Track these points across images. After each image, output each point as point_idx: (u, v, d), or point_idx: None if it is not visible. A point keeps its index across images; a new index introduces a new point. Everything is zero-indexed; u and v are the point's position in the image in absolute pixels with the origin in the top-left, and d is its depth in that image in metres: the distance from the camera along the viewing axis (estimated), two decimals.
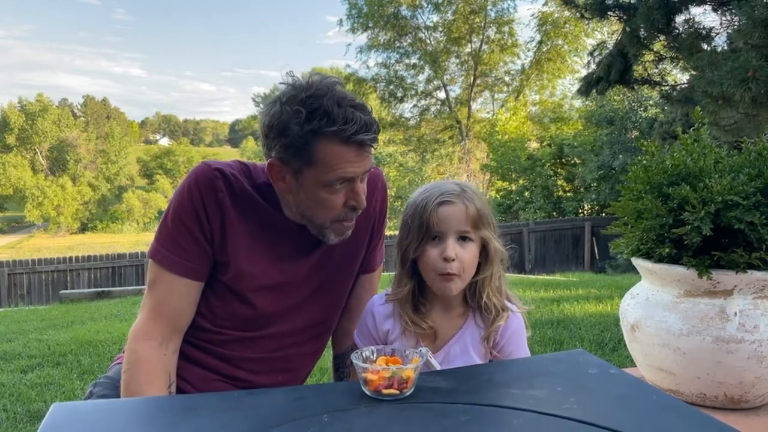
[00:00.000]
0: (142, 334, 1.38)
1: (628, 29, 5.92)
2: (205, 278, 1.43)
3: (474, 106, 27.68)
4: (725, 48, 5.21)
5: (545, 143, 22.34)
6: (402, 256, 1.39)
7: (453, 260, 1.30)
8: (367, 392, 1.09)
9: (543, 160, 20.49)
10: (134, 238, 39.64)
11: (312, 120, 1.26)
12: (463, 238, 1.33)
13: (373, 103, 27.10)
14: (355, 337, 1.49)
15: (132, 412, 1.09)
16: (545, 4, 24.01)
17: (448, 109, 27.33)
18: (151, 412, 1.09)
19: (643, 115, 16.48)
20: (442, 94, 27.49)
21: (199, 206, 1.38)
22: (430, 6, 25.70)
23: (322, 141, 1.28)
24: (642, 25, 5.62)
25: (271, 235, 1.45)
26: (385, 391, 1.07)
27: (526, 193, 20.76)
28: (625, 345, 2.26)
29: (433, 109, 27.84)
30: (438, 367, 1.34)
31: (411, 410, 1.04)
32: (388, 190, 1.67)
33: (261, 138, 1.38)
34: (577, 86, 7.85)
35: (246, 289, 1.43)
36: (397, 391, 1.07)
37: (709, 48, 5.28)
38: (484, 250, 1.37)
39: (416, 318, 1.38)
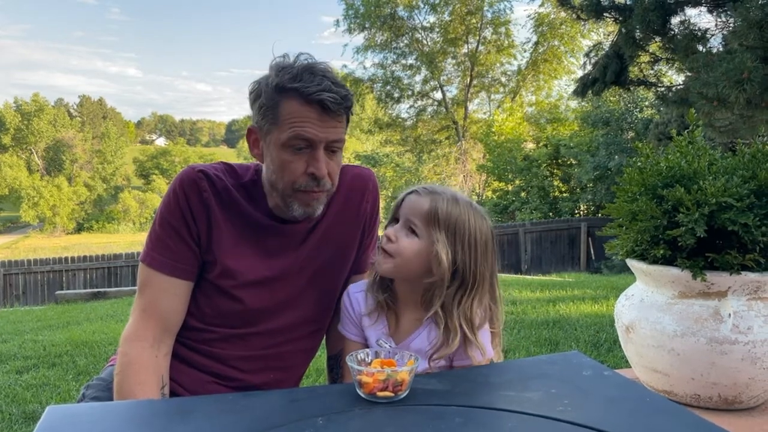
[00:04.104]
0: (133, 337, 1.39)
1: (623, 30, 5.94)
2: (194, 278, 1.45)
3: (470, 106, 27.73)
4: (720, 49, 5.23)
5: (541, 144, 22.38)
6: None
7: (390, 241, 1.33)
8: (361, 394, 1.09)
9: (539, 161, 20.52)
10: (130, 239, 39.56)
11: (278, 76, 1.31)
12: (411, 229, 1.34)
13: (369, 103, 27.14)
14: (339, 328, 1.50)
15: (127, 415, 1.09)
16: (541, 5, 24.09)
17: (444, 110, 27.35)
18: (146, 415, 1.09)
19: (638, 116, 16.52)
20: (438, 95, 27.54)
21: (185, 207, 1.41)
22: (426, 7, 25.74)
23: (285, 98, 1.32)
24: (638, 27, 5.63)
25: (258, 232, 1.46)
26: (380, 394, 1.07)
27: (523, 194, 20.79)
28: (620, 346, 2.26)
29: (429, 109, 27.87)
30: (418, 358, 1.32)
31: (406, 412, 1.05)
32: (384, 191, 1.68)
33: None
34: (573, 87, 7.86)
35: (232, 285, 1.44)
36: (392, 394, 1.07)
37: (704, 49, 5.30)
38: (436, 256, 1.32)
39: (382, 299, 1.40)
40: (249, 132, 1.42)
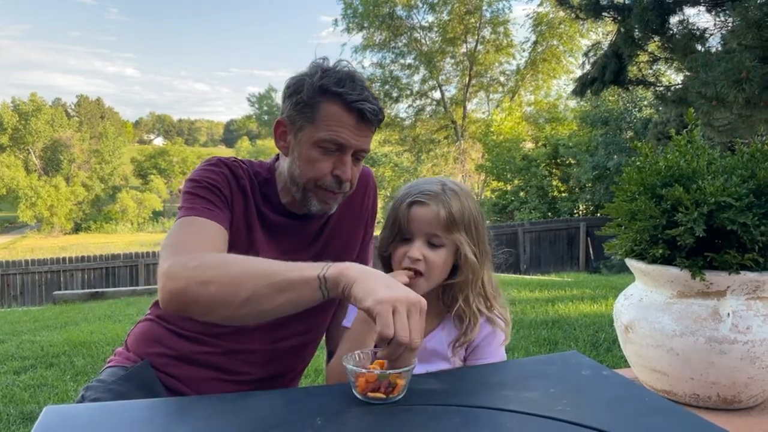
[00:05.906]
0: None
1: (622, 30, 5.94)
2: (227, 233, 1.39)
3: (469, 106, 27.75)
4: (719, 49, 5.24)
5: (540, 143, 22.40)
6: (378, 249, 1.42)
7: (418, 260, 1.31)
8: (356, 395, 1.08)
9: (538, 161, 20.53)
10: (128, 239, 39.53)
11: (323, 78, 1.35)
12: (432, 242, 1.32)
13: None
14: (345, 322, 1.47)
15: (125, 416, 1.08)
16: (540, 4, 24.12)
17: (443, 110, 27.37)
18: (144, 415, 1.08)
19: (637, 115, 16.55)
20: (437, 95, 27.56)
21: (224, 182, 1.42)
22: (425, 6, 25.76)
23: (327, 100, 1.35)
24: (636, 26, 5.64)
25: (275, 229, 1.49)
26: (371, 395, 1.05)
27: (522, 194, 20.80)
28: (619, 345, 2.26)
29: (428, 109, 27.89)
30: (414, 361, 1.32)
31: (404, 413, 1.04)
32: (383, 191, 1.70)
33: (281, 103, 1.46)
34: (572, 87, 7.87)
35: None
36: (383, 396, 1.05)
37: (703, 49, 5.31)
38: (459, 255, 1.34)
39: None
40: (277, 124, 1.45)
